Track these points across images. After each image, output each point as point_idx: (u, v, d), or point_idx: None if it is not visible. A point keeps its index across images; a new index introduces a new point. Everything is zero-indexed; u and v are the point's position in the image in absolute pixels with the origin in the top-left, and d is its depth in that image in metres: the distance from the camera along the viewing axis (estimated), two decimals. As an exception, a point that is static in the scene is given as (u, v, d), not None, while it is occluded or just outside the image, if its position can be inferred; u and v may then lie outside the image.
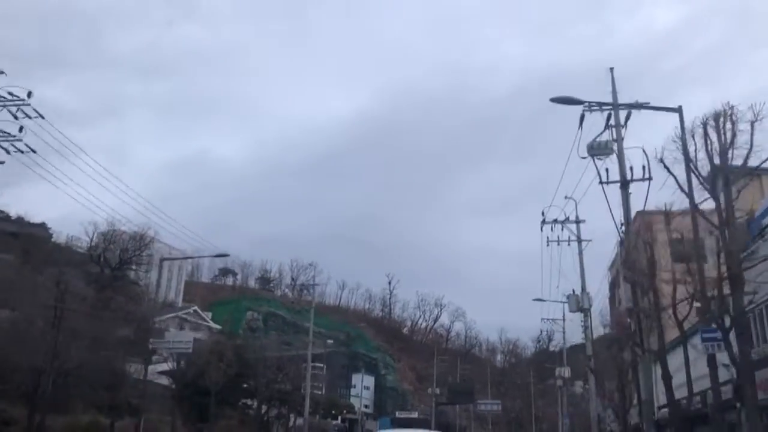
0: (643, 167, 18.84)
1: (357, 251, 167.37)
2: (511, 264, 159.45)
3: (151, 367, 35.38)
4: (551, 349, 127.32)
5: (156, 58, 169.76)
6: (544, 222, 29.94)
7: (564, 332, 46.02)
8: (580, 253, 30.46)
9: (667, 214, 20.24)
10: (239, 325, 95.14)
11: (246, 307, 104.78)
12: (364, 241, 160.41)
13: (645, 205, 19.41)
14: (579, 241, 30.58)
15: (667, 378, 21.47)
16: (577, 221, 30.52)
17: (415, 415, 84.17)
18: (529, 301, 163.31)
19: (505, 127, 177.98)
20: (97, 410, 32.29)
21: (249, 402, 48.17)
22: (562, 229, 30.47)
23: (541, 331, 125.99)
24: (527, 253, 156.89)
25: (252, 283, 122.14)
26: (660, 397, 26.30)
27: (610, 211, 19.95)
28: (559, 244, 30.42)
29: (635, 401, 33.59)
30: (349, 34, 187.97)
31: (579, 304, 30.67)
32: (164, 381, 39.89)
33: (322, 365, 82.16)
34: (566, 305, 33.23)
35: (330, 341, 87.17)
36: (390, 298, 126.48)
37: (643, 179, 19.02)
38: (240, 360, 41.04)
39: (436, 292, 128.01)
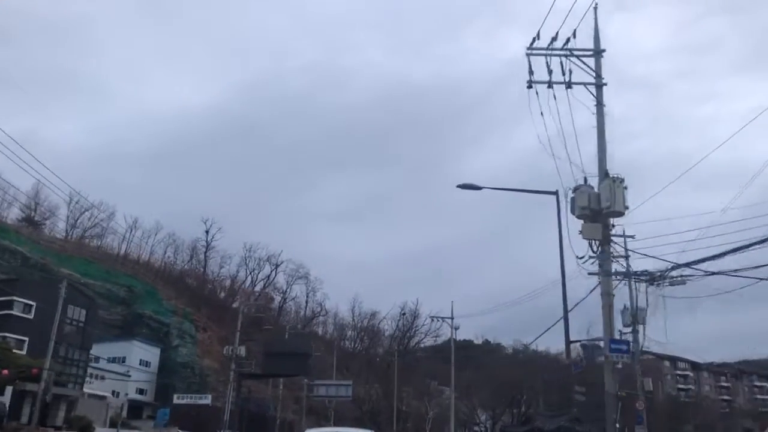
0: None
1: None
2: (358, 270, 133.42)
3: None
4: (415, 330, 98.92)
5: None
6: (532, 47, 14.04)
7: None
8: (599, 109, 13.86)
9: None
10: None
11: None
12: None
13: None
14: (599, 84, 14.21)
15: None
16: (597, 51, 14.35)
17: (207, 401, 51.11)
18: (388, 278, 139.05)
19: (361, 133, 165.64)
20: None
21: None
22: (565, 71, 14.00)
23: (405, 303, 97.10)
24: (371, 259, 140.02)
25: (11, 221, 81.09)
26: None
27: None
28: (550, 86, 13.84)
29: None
30: (205, 24, 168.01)
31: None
32: None
33: (30, 303, 46.51)
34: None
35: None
36: (206, 251, 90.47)
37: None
38: None
39: (272, 248, 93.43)
